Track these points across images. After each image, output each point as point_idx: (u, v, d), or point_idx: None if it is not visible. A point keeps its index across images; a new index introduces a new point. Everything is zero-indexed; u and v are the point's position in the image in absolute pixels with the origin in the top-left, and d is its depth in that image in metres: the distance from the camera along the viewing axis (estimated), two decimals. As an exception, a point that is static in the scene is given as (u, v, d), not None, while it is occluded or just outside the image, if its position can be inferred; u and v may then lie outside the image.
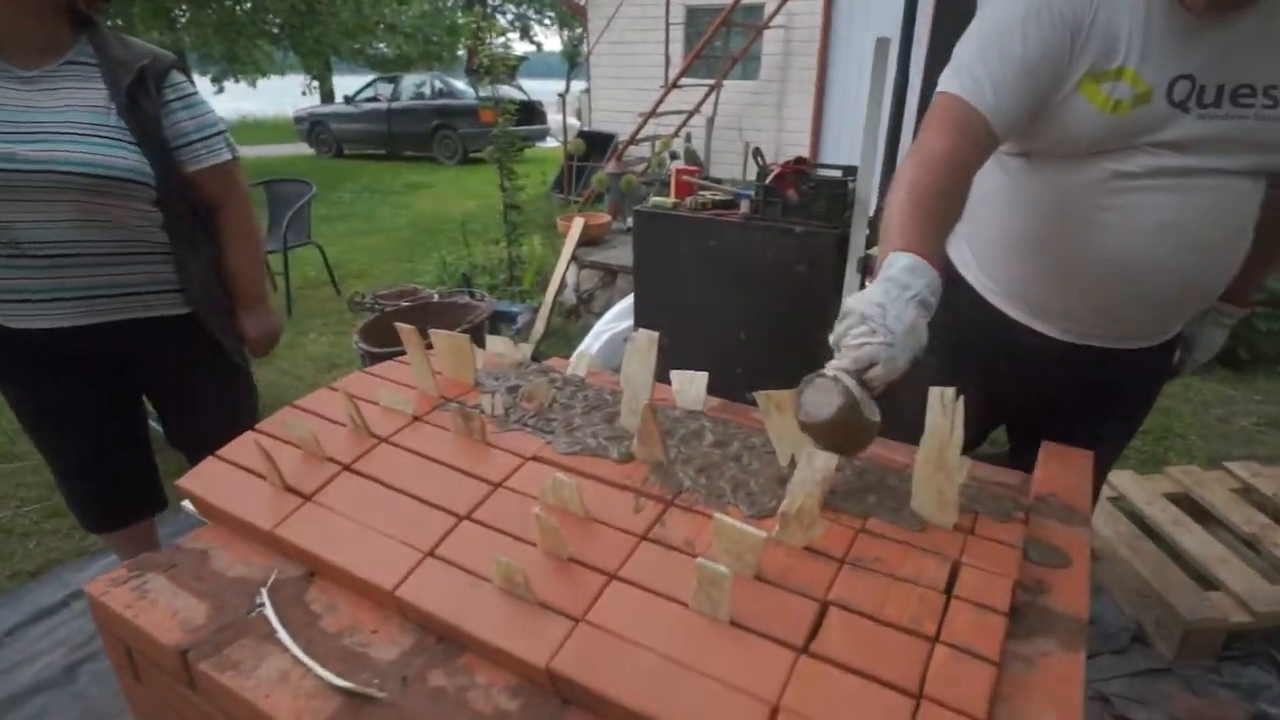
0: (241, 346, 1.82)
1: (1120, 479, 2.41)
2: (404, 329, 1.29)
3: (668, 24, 7.38)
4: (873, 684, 0.73)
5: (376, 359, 2.64)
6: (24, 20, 1.42)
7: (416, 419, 1.24)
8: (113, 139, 1.48)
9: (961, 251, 1.41)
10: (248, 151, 13.06)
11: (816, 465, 0.85)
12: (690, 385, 1.24)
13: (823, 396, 0.89)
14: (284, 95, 19.20)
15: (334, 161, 13.01)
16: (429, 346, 1.37)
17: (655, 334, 1.15)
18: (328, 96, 17.70)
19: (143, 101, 1.51)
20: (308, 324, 4.38)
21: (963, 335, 1.35)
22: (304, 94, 17.98)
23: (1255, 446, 2.98)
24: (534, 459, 1.10)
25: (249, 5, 10.15)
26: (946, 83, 1.11)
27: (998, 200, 1.26)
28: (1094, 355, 1.29)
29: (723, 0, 6.68)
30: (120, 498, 1.81)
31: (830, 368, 0.91)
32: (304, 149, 13.76)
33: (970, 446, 1.46)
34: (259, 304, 1.84)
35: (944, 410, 0.88)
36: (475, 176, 10.56)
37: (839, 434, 0.90)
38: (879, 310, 0.88)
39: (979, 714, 0.69)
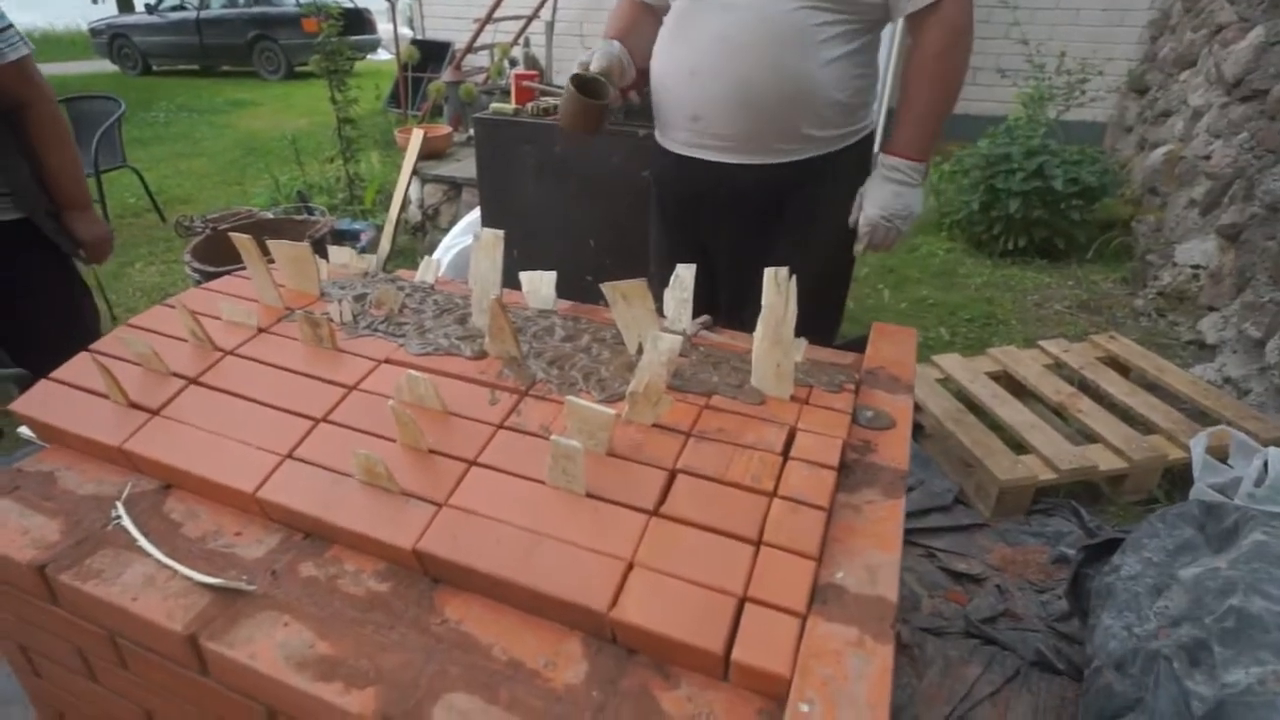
0: (78, 249, 1.71)
1: (947, 361, 2.54)
2: (240, 239, 1.19)
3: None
4: (718, 536, 0.78)
5: (213, 278, 2.42)
6: None
7: (262, 331, 1.17)
8: None
9: None
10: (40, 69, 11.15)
11: (661, 347, 0.88)
12: (540, 285, 1.24)
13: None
14: (73, 4, 16.30)
15: (142, 79, 11.26)
16: (269, 260, 1.28)
17: (500, 232, 1.14)
18: (126, 5, 15.18)
19: None
20: (133, 254, 3.90)
21: (654, 171, 1.65)
22: (94, 2, 15.30)
23: (1066, 327, 3.15)
24: (387, 361, 1.08)
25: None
26: None
27: (658, 48, 1.52)
28: (706, 170, 1.47)
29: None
30: None
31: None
32: (106, 66, 11.82)
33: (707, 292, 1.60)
34: (86, 208, 1.72)
35: (778, 288, 0.92)
36: (303, 92, 9.56)
37: (572, 110, 1.45)
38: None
39: (811, 553, 0.76)
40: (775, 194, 1.45)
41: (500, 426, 0.94)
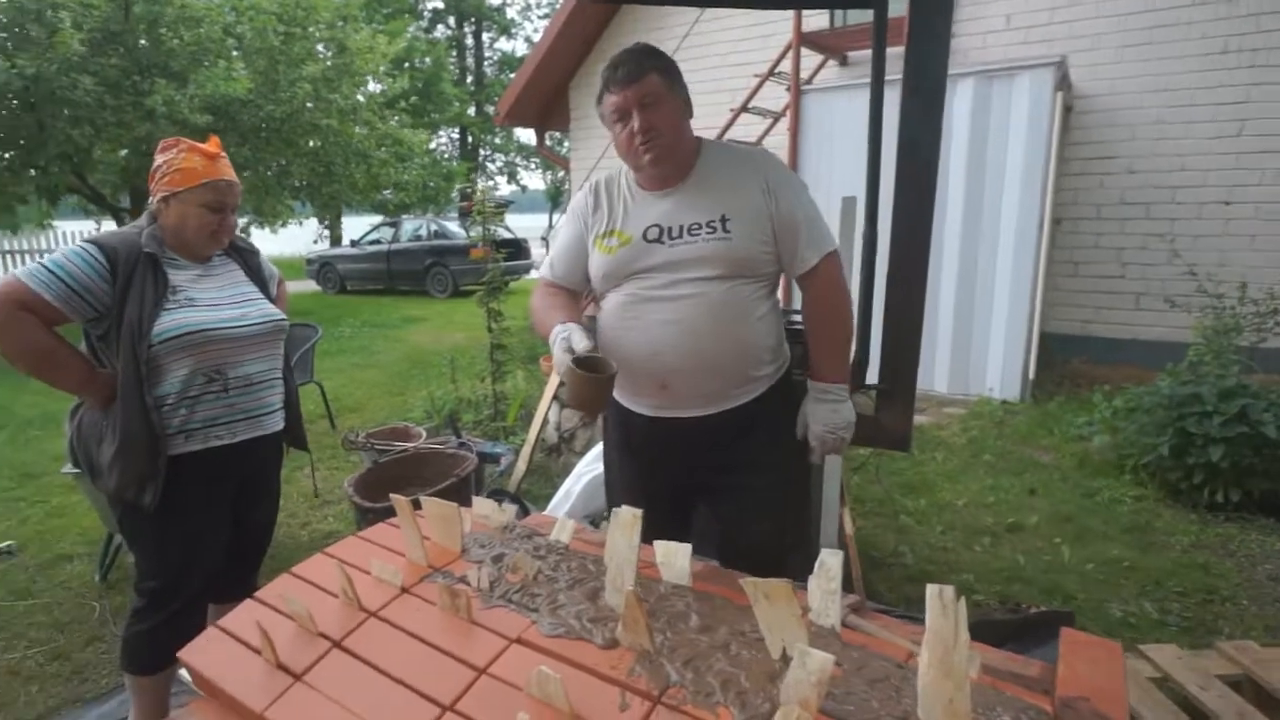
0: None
1: (1163, 654, 1.99)
2: (399, 503, 1.27)
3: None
4: None
5: (368, 513, 2.57)
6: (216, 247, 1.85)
7: (405, 590, 1.20)
8: (269, 298, 1.92)
9: None
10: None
11: (811, 666, 0.79)
12: (675, 557, 1.20)
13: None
14: (298, 236, 19.70)
15: (338, 298, 13.17)
16: (418, 507, 1.34)
17: (639, 511, 1.13)
18: (336, 240, 18.20)
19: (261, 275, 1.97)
20: (303, 459, 4.25)
21: (619, 430, 1.79)
22: (315, 242, 18.54)
23: (1318, 611, 2.49)
24: (518, 641, 1.05)
25: (276, 169, 10.59)
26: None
27: (603, 331, 1.70)
28: (678, 424, 1.64)
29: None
30: (194, 630, 1.75)
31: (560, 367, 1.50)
32: (311, 285, 14.00)
33: (671, 523, 1.68)
34: None
35: (944, 610, 0.79)
36: (464, 309, 10.66)
37: (574, 388, 1.45)
38: (558, 339, 1.53)
39: None
40: (737, 429, 1.66)
41: (631, 738, 0.86)
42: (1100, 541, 3.10)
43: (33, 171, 8.85)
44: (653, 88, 1.54)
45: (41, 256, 1.97)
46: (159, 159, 1.75)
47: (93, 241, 1.69)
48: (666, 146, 1.57)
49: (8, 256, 11.46)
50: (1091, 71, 5.61)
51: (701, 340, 1.57)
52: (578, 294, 1.78)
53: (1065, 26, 5.68)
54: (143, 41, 9.20)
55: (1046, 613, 2.25)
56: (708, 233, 1.56)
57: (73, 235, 12.58)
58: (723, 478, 1.69)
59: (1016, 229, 5.07)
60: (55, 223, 11.76)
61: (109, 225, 10.44)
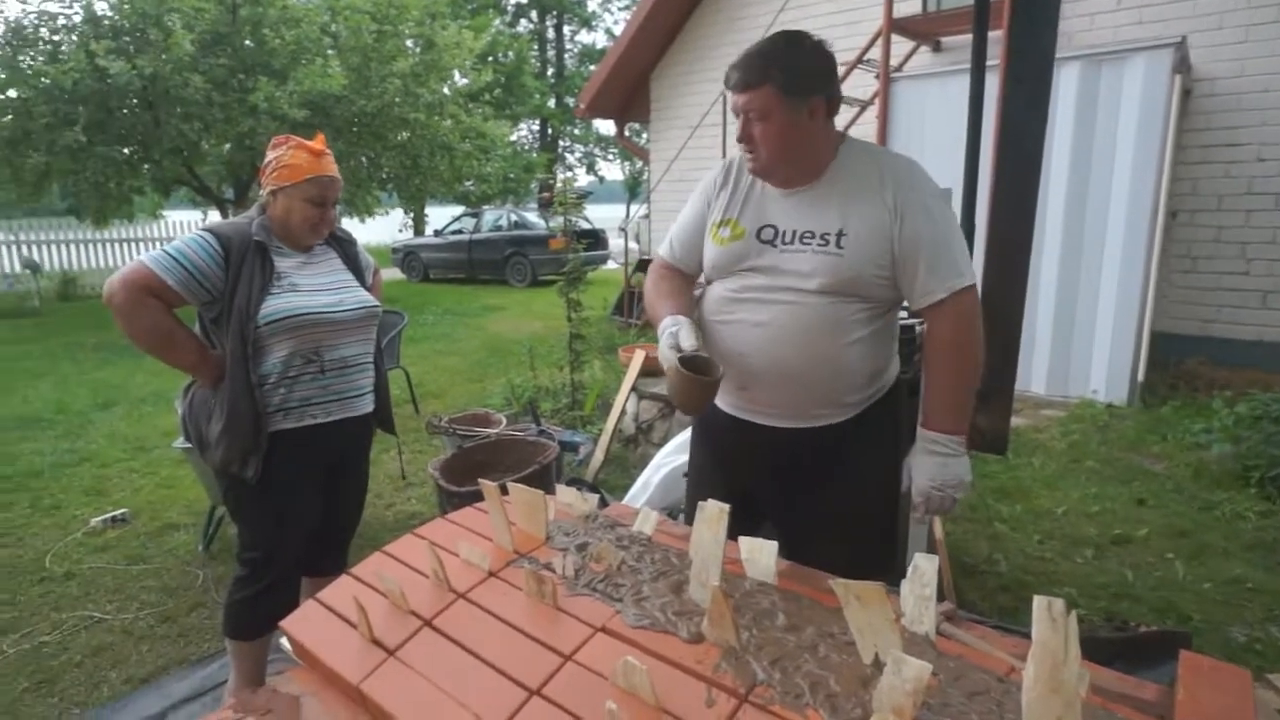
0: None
1: None
2: (487, 488, 1.30)
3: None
4: None
5: (452, 496, 2.65)
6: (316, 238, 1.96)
7: (492, 574, 1.23)
8: (364, 286, 2.02)
9: None
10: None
11: (906, 674, 0.76)
12: (760, 554, 1.19)
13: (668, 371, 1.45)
14: (383, 226, 20.55)
15: (421, 285, 13.67)
16: (504, 491, 1.37)
17: (726, 506, 1.12)
18: (419, 230, 18.87)
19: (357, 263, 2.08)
20: (389, 442, 4.44)
21: (701, 422, 1.78)
22: (400, 231, 19.29)
23: None
24: (603, 630, 1.06)
25: (365, 161, 11.05)
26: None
27: (703, 321, 1.66)
28: (756, 431, 1.60)
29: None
30: (289, 600, 1.85)
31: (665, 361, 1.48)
32: (396, 274, 14.55)
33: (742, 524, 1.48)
34: None
35: (1054, 624, 0.74)
36: (542, 298, 10.88)
37: (677, 387, 1.44)
38: (666, 332, 1.51)
39: None
40: (817, 451, 1.58)
41: (717, 735, 0.86)
42: (1220, 559, 2.89)
43: (147, 166, 9.54)
44: (762, 101, 1.43)
45: (154, 245, 2.14)
46: (270, 155, 1.85)
47: (210, 230, 1.80)
48: (762, 163, 1.51)
49: (124, 245, 12.41)
50: (1214, 53, 5.20)
51: (786, 350, 1.51)
52: (693, 278, 1.74)
53: (1185, 5, 5.29)
54: (247, 42, 9.75)
55: (1159, 632, 2.11)
56: (819, 245, 1.48)
57: (180, 224, 13.49)
58: (795, 495, 1.62)
59: (1126, 221, 4.76)
60: (165, 212, 12.64)
61: (214, 215, 11.14)
